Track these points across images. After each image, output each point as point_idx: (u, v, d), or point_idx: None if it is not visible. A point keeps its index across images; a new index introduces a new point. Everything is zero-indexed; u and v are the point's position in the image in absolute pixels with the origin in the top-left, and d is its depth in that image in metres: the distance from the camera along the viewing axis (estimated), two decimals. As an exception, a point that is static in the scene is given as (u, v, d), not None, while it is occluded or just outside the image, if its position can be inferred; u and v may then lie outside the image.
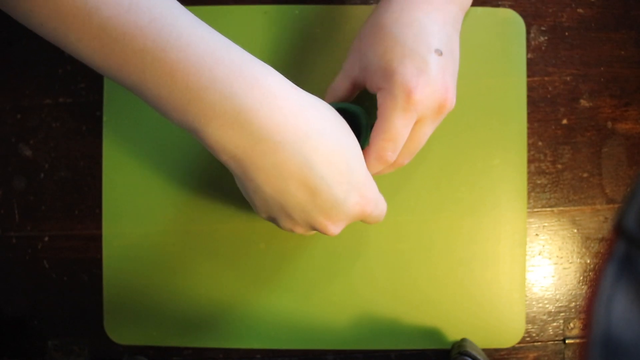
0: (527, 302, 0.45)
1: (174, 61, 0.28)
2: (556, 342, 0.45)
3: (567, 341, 0.45)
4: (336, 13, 0.45)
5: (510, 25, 0.45)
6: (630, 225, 0.19)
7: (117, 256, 0.45)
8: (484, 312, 0.44)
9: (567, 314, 0.45)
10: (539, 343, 0.45)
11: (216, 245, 0.44)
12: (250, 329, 0.44)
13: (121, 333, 0.45)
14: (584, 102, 0.45)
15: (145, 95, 0.30)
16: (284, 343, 0.44)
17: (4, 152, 0.46)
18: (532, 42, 0.45)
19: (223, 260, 0.44)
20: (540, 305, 0.45)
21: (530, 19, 0.45)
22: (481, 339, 0.44)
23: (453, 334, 0.44)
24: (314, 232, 0.37)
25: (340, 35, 0.45)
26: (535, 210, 0.45)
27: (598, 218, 0.45)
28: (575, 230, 0.45)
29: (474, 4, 0.42)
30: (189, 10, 0.30)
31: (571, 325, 0.45)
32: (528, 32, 0.45)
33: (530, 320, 0.45)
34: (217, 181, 0.45)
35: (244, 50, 0.31)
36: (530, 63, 0.45)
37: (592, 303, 0.20)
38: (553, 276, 0.45)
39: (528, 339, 0.45)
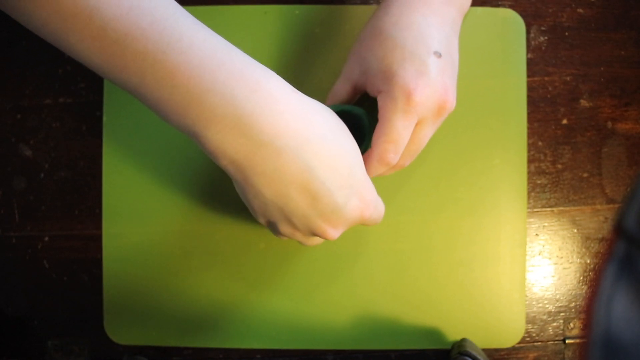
0: (527, 302, 0.45)
1: (174, 64, 0.27)
2: (556, 342, 0.45)
3: (567, 341, 0.45)
4: (336, 13, 0.45)
5: (510, 25, 0.45)
6: (630, 225, 0.19)
7: (117, 256, 0.45)
8: (484, 312, 0.44)
9: (567, 314, 0.45)
10: (539, 343, 0.45)
11: (216, 245, 0.44)
12: (250, 329, 0.44)
13: (121, 333, 0.45)
14: (584, 102, 0.45)
15: (145, 98, 0.29)
16: (284, 343, 0.44)
17: (4, 152, 0.46)
18: (532, 42, 0.45)
19: (223, 260, 0.44)
20: (540, 305, 0.45)
21: (530, 19, 0.45)
22: (481, 339, 0.44)
23: (453, 334, 0.44)
24: (313, 239, 0.37)
25: (340, 35, 0.45)
26: (535, 210, 0.45)
27: (598, 218, 0.45)
28: (575, 230, 0.45)
29: (473, 4, 0.42)
30: (189, 10, 0.30)
31: (571, 325, 0.45)
32: (528, 32, 0.45)
33: (530, 320, 0.45)
34: (217, 181, 0.45)
35: (246, 54, 0.30)
36: (530, 63, 0.45)
37: (592, 303, 0.20)
38: (553, 276, 0.45)
39: (528, 339, 0.45)
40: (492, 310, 0.44)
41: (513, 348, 0.44)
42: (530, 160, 0.45)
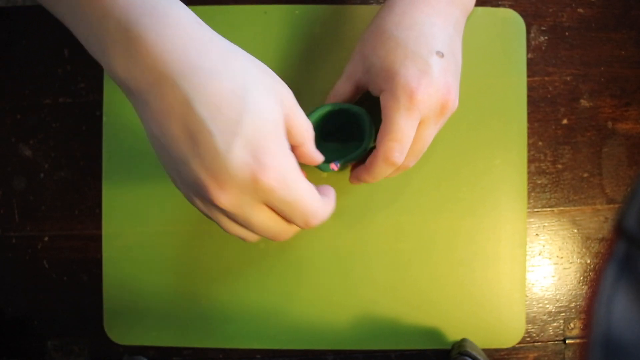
0: (527, 302, 0.45)
1: None
2: (556, 342, 0.45)
3: (567, 341, 0.45)
4: (336, 13, 0.45)
5: (510, 25, 0.45)
6: (631, 226, 0.19)
7: (117, 256, 0.45)
8: (484, 312, 0.44)
9: (568, 314, 0.45)
10: (539, 343, 0.45)
11: (216, 245, 0.44)
12: (250, 329, 0.44)
13: (121, 333, 0.45)
14: (584, 102, 0.45)
15: (71, 28, 0.30)
16: (284, 343, 0.44)
17: (4, 152, 0.46)
18: (532, 42, 0.45)
19: (223, 260, 0.44)
20: (541, 305, 0.45)
21: (530, 19, 0.45)
22: (481, 339, 0.44)
23: (453, 334, 0.44)
24: (235, 228, 0.31)
25: (340, 35, 0.45)
26: (536, 210, 0.45)
27: (598, 218, 0.45)
28: (576, 230, 0.45)
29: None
30: (190, 9, 0.30)
31: (571, 325, 0.45)
32: (528, 32, 0.45)
33: (530, 320, 0.45)
34: (217, 181, 0.45)
35: None
36: (530, 63, 0.45)
37: (592, 303, 0.20)
38: (553, 276, 0.45)
39: (528, 339, 0.45)
40: (492, 310, 0.44)
41: (513, 348, 0.44)
42: (530, 160, 0.45)
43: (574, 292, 0.45)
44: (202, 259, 0.45)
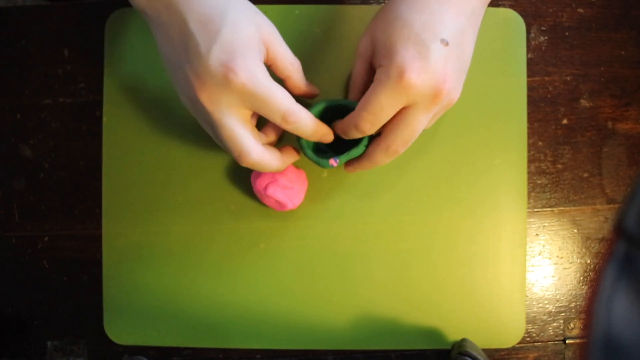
0: (528, 302, 0.45)
1: None
2: (556, 342, 0.45)
3: (567, 341, 0.45)
4: (336, 13, 0.45)
5: (510, 25, 0.45)
6: (631, 226, 0.19)
7: (117, 256, 0.45)
8: (484, 312, 0.44)
9: (568, 314, 0.45)
10: (539, 343, 0.45)
11: (216, 245, 0.44)
12: (250, 329, 0.44)
13: (121, 333, 0.45)
14: (584, 102, 0.45)
15: None
16: (284, 343, 0.44)
17: (4, 152, 0.46)
18: (532, 42, 0.45)
19: (223, 260, 0.44)
20: (541, 305, 0.45)
21: (530, 19, 0.45)
22: (481, 339, 0.44)
23: (453, 334, 0.44)
24: (212, 135, 0.37)
25: (340, 35, 0.45)
26: (536, 210, 0.45)
27: (598, 218, 0.45)
28: (576, 230, 0.45)
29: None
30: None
31: (571, 325, 0.45)
32: (528, 32, 0.45)
33: (530, 320, 0.45)
34: (217, 181, 0.45)
35: None
36: (530, 63, 0.45)
37: (592, 303, 0.20)
38: (553, 276, 0.45)
39: (528, 339, 0.45)
40: (492, 310, 0.44)
41: (513, 348, 0.44)
42: (530, 160, 0.45)
43: (574, 292, 0.45)
44: (202, 259, 0.45)
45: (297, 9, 0.45)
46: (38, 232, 0.46)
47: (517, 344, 0.44)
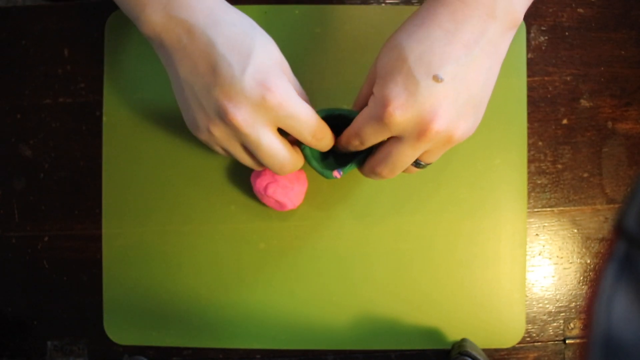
0: (527, 302, 0.45)
1: None
2: (556, 342, 0.45)
3: (567, 341, 0.45)
4: (336, 13, 0.45)
5: (511, 25, 0.44)
6: (631, 226, 0.19)
7: (117, 256, 0.45)
8: (484, 312, 0.44)
9: (568, 314, 0.45)
10: (539, 343, 0.45)
11: (216, 245, 0.44)
12: (250, 329, 0.44)
13: (121, 333, 0.45)
14: (584, 102, 0.45)
15: None
16: (284, 343, 0.44)
17: (4, 152, 0.46)
18: (532, 42, 0.45)
19: (223, 260, 0.44)
20: (541, 305, 0.45)
21: (530, 19, 0.45)
22: (481, 339, 0.44)
23: (453, 334, 0.44)
24: (237, 148, 0.36)
25: (340, 35, 0.45)
26: (536, 210, 0.45)
27: (598, 218, 0.45)
28: (576, 230, 0.45)
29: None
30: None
31: (571, 325, 0.45)
32: (528, 32, 0.45)
33: (530, 320, 0.45)
34: (217, 181, 0.45)
35: None
36: (530, 63, 0.45)
37: (592, 303, 0.20)
38: (553, 276, 0.45)
39: (528, 339, 0.45)
40: (492, 310, 0.44)
41: (513, 348, 0.44)
42: (530, 160, 0.45)
43: (574, 292, 0.45)
44: (202, 259, 0.45)
45: (297, 9, 0.45)
46: (38, 232, 0.46)
47: (517, 344, 0.44)
